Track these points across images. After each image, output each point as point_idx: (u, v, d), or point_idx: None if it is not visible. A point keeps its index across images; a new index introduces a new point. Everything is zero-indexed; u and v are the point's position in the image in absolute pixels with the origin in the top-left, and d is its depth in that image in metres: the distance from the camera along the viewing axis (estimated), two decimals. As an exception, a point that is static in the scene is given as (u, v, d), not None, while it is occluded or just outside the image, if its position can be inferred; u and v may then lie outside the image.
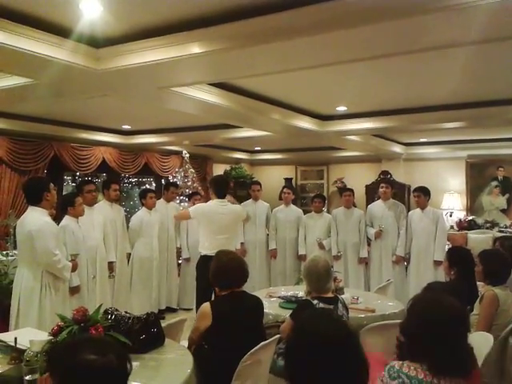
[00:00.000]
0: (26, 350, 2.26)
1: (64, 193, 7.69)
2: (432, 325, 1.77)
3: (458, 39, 3.14)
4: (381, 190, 6.46)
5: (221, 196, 4.69)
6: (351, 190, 6.71)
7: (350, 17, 2.79)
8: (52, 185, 3.91)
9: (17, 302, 3.74)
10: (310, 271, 3.11)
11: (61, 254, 3.78)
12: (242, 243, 6.60)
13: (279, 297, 4.07)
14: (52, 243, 3.69)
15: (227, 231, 4.65)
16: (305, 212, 6.93)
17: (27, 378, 2.11)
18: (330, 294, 3.09)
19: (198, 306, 4.12)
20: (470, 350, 1.85)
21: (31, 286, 3.70)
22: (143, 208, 6.16)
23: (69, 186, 8.65)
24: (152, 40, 3.41)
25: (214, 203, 4.67)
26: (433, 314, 1.81)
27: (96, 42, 3.56)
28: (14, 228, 5.87)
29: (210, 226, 4.58)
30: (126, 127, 7.75)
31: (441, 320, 1.77)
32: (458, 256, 3.58)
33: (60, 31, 3.30)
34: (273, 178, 11.37)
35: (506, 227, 8.82)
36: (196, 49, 3.28)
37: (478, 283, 3.45)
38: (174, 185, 7.03)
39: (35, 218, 3.70)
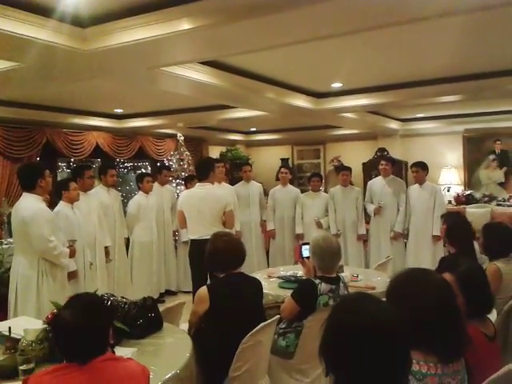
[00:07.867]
0: (20, 340, 2.22)
1: (59, 179, 7.60)
2: (417, 310, 1.55)
3: (451, 8, 3.04)
4: (381, 167, 6.38)
5: (200, 179, 4.65)
6: (349, 169, 6.65)
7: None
8: (48, 171, 3.84)
9: (14, 291, 3.70)
10: (324, 250, 3.02)
11: (57, 240, 3.72)
12: (237, 231, 6.49)
13: (278, 277, 4.04)
14: (46, 230, 3.62)
15: (206, 215, 4.47)
16: (302, 192, 6.86)
17: (22, 367, 2.07)
18: (333, 274, 3.05)
19: (194, 290, 4.07)
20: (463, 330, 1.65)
21: (28, 274, 3.66)
22: (140, 192, 6.12)
23: (64, 172, 8.54)
24: (139, 17, 3.29)
25: (195, 187, 4.65)
26: (417, 297, 1.58)
27: (82, 22, 3.44)
28: (8, 216, 5.83)
29: (190, 211, 4.51)
30: (119, 111, 7.62)
31: (427, 304, 1.57)
32: (456, 227, 3.55)
33: (41, 10, 3.17)
34: (269, 158, 11.30)
35: (504, 200, 8.77)
36: (185, 25, 3.17)
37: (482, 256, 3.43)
38: (167, 168, 6.99)
39: (29, 205, 3.63)
